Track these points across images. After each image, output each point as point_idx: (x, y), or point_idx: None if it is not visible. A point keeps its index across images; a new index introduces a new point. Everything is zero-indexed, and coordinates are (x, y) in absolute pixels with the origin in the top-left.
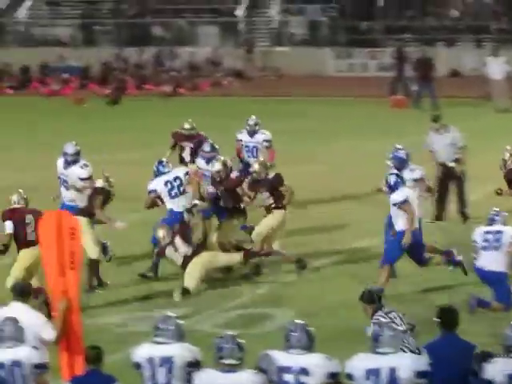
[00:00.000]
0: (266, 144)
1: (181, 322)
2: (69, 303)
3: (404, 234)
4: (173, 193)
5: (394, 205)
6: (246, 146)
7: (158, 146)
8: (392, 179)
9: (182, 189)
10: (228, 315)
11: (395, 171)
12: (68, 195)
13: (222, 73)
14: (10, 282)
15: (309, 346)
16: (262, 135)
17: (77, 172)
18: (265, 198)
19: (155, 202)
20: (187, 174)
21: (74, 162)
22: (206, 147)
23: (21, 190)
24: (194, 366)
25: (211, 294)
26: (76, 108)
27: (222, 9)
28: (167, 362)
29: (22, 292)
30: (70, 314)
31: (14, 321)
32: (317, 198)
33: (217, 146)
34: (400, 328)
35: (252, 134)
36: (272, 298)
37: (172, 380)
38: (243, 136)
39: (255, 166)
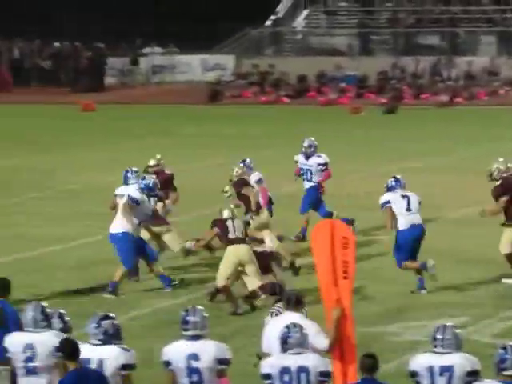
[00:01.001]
0: (319, 168)
1: (459, 331)
2: (342, 312)
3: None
4: None
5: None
6: (301, 168)
7: (433, 155)
8: None
9: None
10: (506, 325)
11: None
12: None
13: (499, 82)
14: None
15: None
16: (318, 158)
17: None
18: None
19: None
20: None
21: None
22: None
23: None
24: (473, 375)
25: (489, 303)
26: (352, 117)
27: (497, 19)
28: (447, 371)
29: (297, 303)
30: (344, 322)
31: (301, 327)
32: None
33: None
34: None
35: (307, 156)
36: None
37: None
38: (299, 158)
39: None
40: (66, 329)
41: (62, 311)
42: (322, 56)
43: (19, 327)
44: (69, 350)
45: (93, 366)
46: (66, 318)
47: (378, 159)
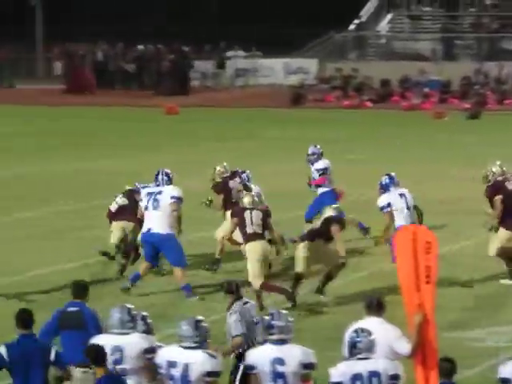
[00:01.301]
0: (318, 173)
1: None
2: (424, 317)
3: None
4: None
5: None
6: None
7: None
8: None
9: None
10: None
11: None
12: None
13: None
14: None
15: None
16: (317, 164)
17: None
18: None
19: None
20: None
21: None
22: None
23: None
24: None
25: None
26: (435, 122)
27: None
28: None
29: (378, 307)
30: (426, 327)
31: (369, 333)
32: None
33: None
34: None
35: (311, 163)
36: None
37: None
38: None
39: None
40: (148, 331)
41: (144, 313)
42: (406, 61)
43: (99, 330)
44: (93, 355)
45: (178, 369)
46: (149, 320)
47: (461, 164)
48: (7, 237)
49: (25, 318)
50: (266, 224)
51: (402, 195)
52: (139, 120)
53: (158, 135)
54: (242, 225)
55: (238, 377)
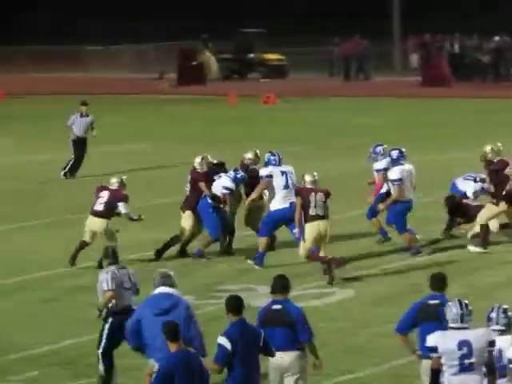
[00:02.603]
0: (376, 173)
1: None
2: None
3: None
4: None
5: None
6: None
7: None
8: None
9: None
10: None
11: None
12: None
13: None
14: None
15: None
16: (376, 164)
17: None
18: None
19: None
20: None
21: None
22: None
23: None
24: None
25: None
26: None
27: None
28: None
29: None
30: None
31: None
32: None
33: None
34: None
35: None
36: None
37: None
38: None
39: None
40: (509, 324)
41: (505, 306)
42: None
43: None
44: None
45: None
46: (510, 313)
47: None
48: None
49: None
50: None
51: (409, 172)
52: (496, 111)
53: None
54: (306, 206)
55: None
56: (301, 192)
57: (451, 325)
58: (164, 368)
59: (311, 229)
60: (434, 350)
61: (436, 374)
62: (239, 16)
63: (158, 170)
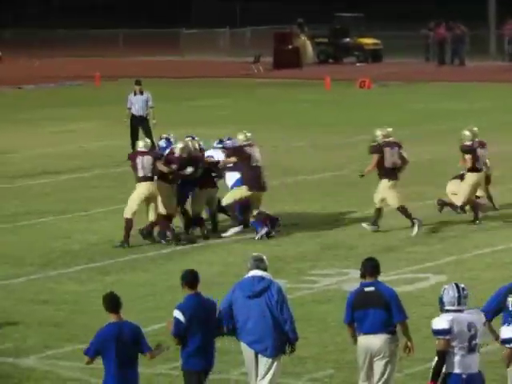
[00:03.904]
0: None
1: None
2: None
3: None
4: None
5: None
6: None
7: None
8: None
9: None
10: None
11: None
12: None
13: None
14: None
15: None
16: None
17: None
18: None
19: None
20: None
21: None
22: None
23: None
24: None
25: None
26: None
27: None
28: None
29: None
30: None
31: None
32: None
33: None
34: None
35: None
36: None
37: None
38: None
39: None
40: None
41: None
42: None
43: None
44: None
45: None
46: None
47: None
48: None
49: None
50: None
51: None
52: None
53: None
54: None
55: None
56: None
57: (448, 307)
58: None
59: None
60: (447, 332)
61: (444, 356)
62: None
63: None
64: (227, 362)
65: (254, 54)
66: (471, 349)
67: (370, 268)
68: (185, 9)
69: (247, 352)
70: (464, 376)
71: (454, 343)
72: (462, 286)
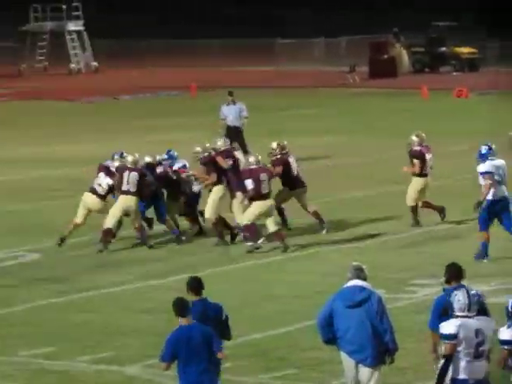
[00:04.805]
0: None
1: None
2: None
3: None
4: None
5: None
6: None
7: None
8: None
9: None
10: None
11: None
12: None
13: None
14: None
15: None
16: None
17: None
18: None
19: None
20: None
21: None
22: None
23: None
24: None
25: None
26: None
27: None
28: None
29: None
30: None
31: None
32: None
33: None
34: None
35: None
36: None
37: None
38: None
39: None
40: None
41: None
42: None
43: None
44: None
45: None
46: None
47: None
48: None
49: None
50: None
51: (498, 168)
52: None
53: None
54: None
55: None
56: None
57: (458, 313)
58: None
59: None
60: (453, 336)
61: (449, 361)
62: (430, 9)
63: (354, 161)
64: (327, 371)
65: (349, 63)
66: (478, 355)
67: (455, 273)
68: (279, 20)
69: (347, 362)
70: (471, 382)
71: (459, 348)
72: (473, 292)
